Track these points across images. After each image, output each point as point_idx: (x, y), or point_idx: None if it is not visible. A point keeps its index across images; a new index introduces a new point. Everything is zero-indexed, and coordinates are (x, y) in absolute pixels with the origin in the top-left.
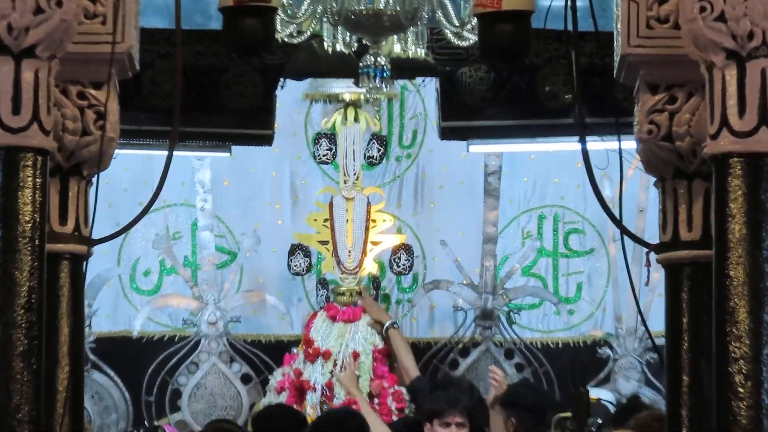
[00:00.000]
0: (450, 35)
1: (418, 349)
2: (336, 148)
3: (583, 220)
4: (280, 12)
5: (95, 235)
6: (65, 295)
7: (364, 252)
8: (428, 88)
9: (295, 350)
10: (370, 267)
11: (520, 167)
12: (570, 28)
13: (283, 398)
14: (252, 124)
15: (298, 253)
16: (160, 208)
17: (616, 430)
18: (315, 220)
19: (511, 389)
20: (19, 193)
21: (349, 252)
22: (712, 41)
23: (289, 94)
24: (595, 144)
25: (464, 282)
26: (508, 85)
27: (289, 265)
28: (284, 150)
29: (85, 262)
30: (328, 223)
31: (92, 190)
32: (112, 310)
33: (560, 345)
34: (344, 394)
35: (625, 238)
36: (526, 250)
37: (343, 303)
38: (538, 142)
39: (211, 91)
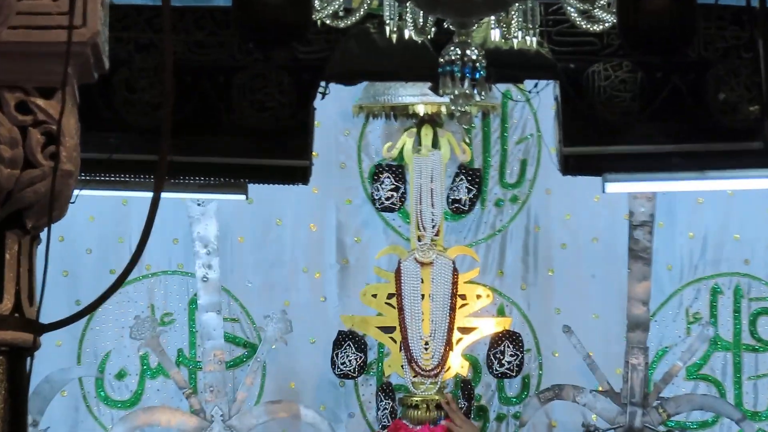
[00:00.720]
0: (575, 15)
1: None
2: (405, 188)
3: None
4: None
5: (45, 318)
6: None
7: (448, 344)
8: (543, 96)
9: None
10: (457, 366)
11: (683, 216)
12: (756, 2)
13: None
14: (278, 151)
15: (349, 345)
16: (141, 278)
17: None
18: (374, 296)
19: None
20: None
21: (426, 344)
22: None
23: (334, 105)
24: None
25: (599, 389)
26: (664, 91)
27: (334, 364)
28: (327, 191)
29: (29, 358)
30: (393, 301)
31: (40, 250)
32: (70, 430)
33: None
34: None
35: None
36: (693, 341)
37: (417, 420)
38: (710, 179)
39: (216, 102)
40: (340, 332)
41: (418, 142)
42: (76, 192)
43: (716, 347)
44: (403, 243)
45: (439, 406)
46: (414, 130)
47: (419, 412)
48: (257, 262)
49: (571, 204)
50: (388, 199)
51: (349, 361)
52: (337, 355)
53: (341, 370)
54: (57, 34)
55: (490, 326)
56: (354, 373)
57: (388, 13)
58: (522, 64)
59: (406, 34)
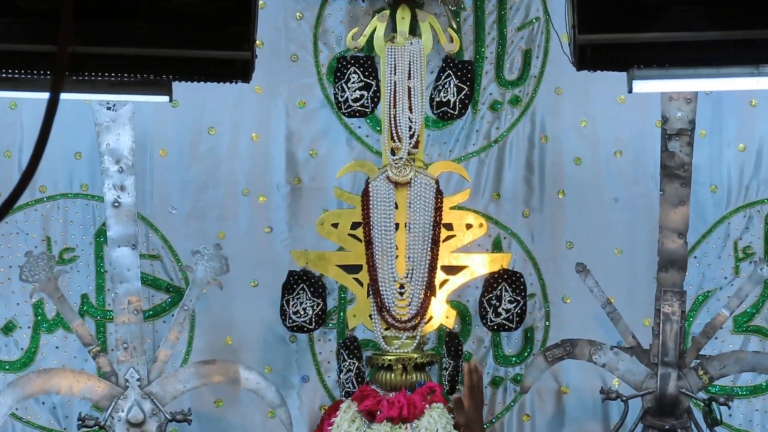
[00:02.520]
0: None
1: None
2: (376, 86)
3: None
4: None
5: None
6: None
7: (429, 288)
8: None
9: None
10: (440, 316)
11: (732, 123)
12: None
13: None
14: (211, 39)
15: (303, 289)
16: (33, 203)
17: None
18: (334, 225)
19: None
20: None
21: (402, 288)
22: None
23: None
24: None
25: (623, 345)
26: None
27: (284, 313)
28: (274, 90)
29: None
30: (359, 232)
31: None
32: None
33: None
34: None
35: None
36: (743, 284)
37: (389, 385)
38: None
39: None
40: (290, 273)
41: (392, 28)
42: None
43: None
44: (371, 157)
45: (417, 367)
46: (387, 12)
47: (393, 375)
48: (184, 183)
49: (587, 107)
50: (356, 100)
51: (304, 309)
52: (287, 302)
53: (294, 321)
54: None
55: (483, 265)
56: (310, 324)
57: None
58: None
59: None
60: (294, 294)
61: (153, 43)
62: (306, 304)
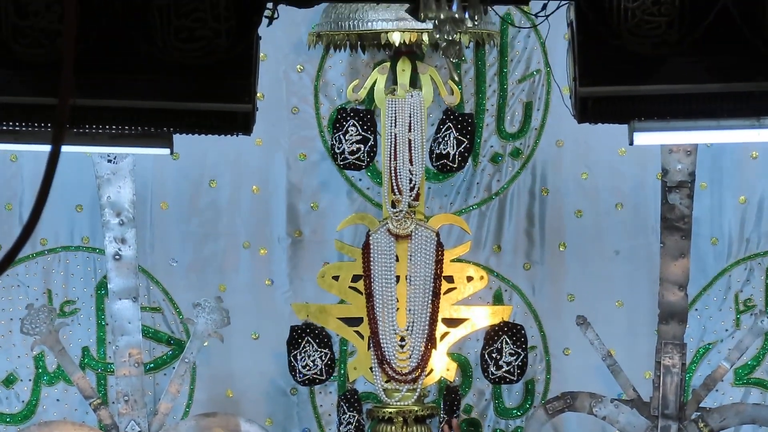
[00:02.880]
0: None
1: None
2: (376, 139)
3: None
4: None
5: None
6: None
7: (430, 340)
8: (554, 21)
9: None
10: (441, 369)
11: (732, 175)
12: None
13: None
14: (212, 92)
15: (308, 341)
16: (34, 256)
17: None
18: (335, 278)
19: None
20: None
21: (402, 340)
22: None
23: (284, 34)
24: None
25: (623, 397)
26: (709, 14)
27: (293, 369)
28: (274, 143)
29: None
30: (360, 285)
31: None
32: None
33: None
34: None
35: None
36: (744, 336)
37: None
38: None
39: (131, 30)
40: (293, 328)
41: (393, 80)
42: None
43: None
44: (372, 210)
45: (418, 419)
46: (387, 65)
47: (393, 428)
48: (185, 236)
49: (588, 160)
50: (353, 153)
51: (313, 361)
52: (295, 357)
53: (305, 375)
54: None
55: (484, 317)
56: (322, 375)
57: None
58: None
59: None
60: (300, 348)
61: (154, 96)
62: (314, 356)
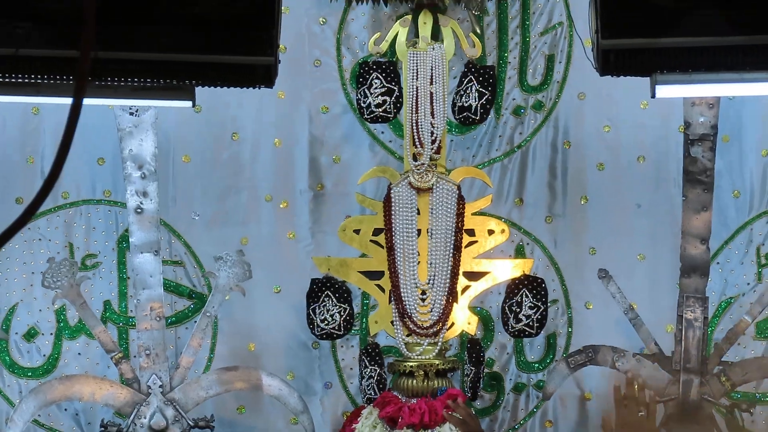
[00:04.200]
0: None
1: None
2: (399, 92)
3: None
4: None
5: None
6: None
7: (451, 294)
8: None
9: None
10: (462, 322)
11: (755, 128)
12: None
13: None
14: (234, 44)
15: (327, 295)
16: (56, 210)
17: None
18: (356, 231)
19: None
20: None
21: (424, 294)
22: None
23: None
24: None
25: (645, 351)
26: None
27: (312, 322)
28: (297, 96)
29: None
30: (381, 238)
31: None
32: None
33: None
34: None
35: None
36: (766, 289)
37: (411, 391)
38: None
39: None
40: (313, 281)
41: (415, 32)
42: None
43: None
44: (394, 163)
45: (439, 373)
46: (409, 17)
47: (415, 382)
48: (206, 189)
49: (610, 113)
50: (379, 105)
51: (331, 316)
52: (314, 310)
53: (323, 329)
54: None
55: (505, 270)
56: (339, 330)
57: None
58: None
59: None
60: (319, 302)
61: (175, 49)
62: (333, 310)
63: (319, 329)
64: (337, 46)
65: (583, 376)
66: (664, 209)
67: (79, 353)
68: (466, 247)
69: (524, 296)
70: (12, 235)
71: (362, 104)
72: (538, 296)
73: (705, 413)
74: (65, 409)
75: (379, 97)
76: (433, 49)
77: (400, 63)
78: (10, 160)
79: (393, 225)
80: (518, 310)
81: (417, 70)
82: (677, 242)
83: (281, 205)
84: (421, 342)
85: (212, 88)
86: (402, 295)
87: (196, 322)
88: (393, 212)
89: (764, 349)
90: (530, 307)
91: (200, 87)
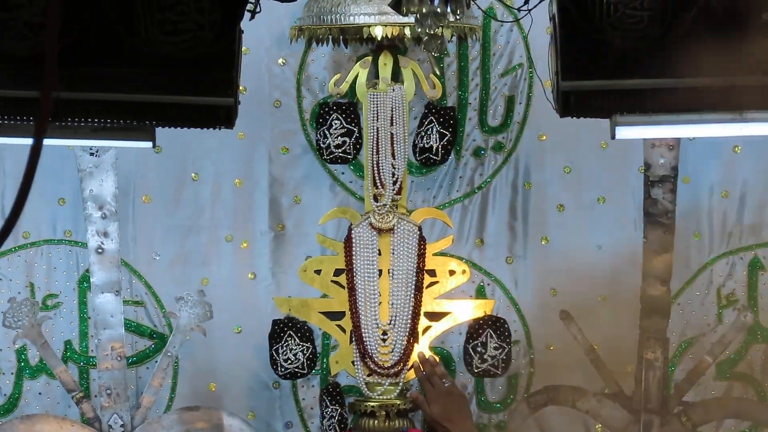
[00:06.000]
0: None
1: None
2: (358, 132)
3: None
4: None
5: None
6: None
7: (413, 334)
8: (537, 14)
9: None
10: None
11: (715, 170)
12: None
13: None
14: (195, 86)
15: (290, 335)
16: (16, 249)
17: None
18: (317, 272)
19: None
20: None
21: (385, 334)
22: None
23: (266, 27)
24: None
25: (606, 391)
26: (692, 8)
27: (275, 362)
28: (257, 136)
29: None
30: (342, 279)
31: None
32: None
33: None
34: None
35: None
36: (726, 330)
37: (373, 431)
38: (751, 121)
39: (114, 23)
40: (275, 322)
41: (375, 74)
42: None
43: (755, 338)
44: (355, 204)
45: (400, 413)
46: (369, 58)
47: (376, 422)
48: (167, 229)
49: (571, 154)
50: (339, 146)
51: (294, 355)
52: (276, 351)
53: (286, 368)
54: None
55: (467, 311)
56: (303, 369)
57: None
58: None
59: None
60: (282, 342)
61: (136, 89)
62: (296, 350)
63: (282, 369)
64: (297, 86)
65: (543, 416)
66: (625, 250)
67: (39, 393)
68: (427, 287)
69: (489, 336)
70: None
71: (322, 145)
72: (503, 336)
73: None
74: None
75: (339, 137)
76: (393, 90)
77: (361, 104)
78: None
79: (354, 265)
80: (483, 350)
81: (377, 111)
82: (638, 283)
83: (242, 246)
84: (382, 382)
85: (173, 128)
86: (363, 335)
87: (157, 362)
88: (354, 253)
89: (725, 389)
90: (495, 348)
91: (161, 127)
